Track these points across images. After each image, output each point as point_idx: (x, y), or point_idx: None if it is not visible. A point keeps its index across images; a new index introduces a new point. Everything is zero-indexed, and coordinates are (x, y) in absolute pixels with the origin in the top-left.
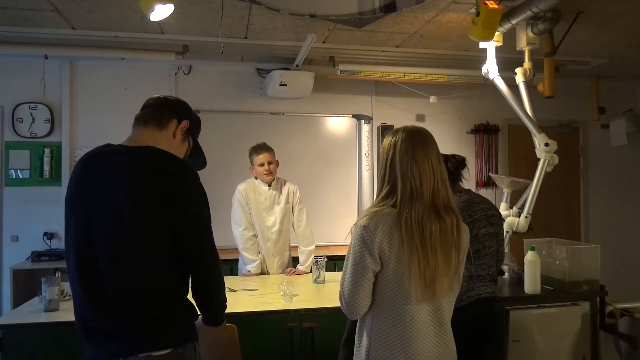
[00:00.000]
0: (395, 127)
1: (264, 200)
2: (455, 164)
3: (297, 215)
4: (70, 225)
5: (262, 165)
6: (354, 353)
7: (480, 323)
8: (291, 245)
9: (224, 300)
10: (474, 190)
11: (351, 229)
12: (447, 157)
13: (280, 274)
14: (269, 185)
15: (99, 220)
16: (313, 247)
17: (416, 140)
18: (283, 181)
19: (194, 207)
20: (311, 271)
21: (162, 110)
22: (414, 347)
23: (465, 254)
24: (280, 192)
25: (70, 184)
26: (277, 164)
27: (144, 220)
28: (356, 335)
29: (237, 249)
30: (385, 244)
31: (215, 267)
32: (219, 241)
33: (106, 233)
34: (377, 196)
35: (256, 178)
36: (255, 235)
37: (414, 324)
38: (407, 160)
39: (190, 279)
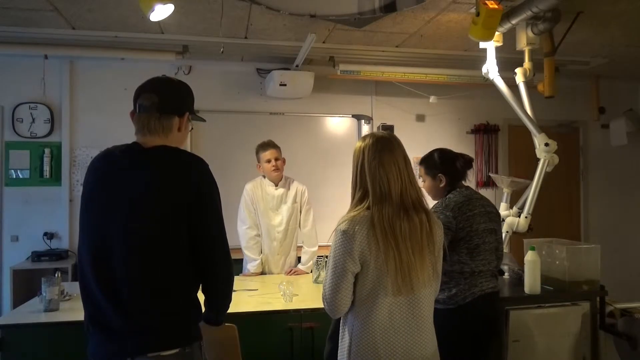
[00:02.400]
0: (395, 127)
1: (271, 199)
2: (463, 164)
3: (304, 215)
4: (86, 224)
5: (269, 161)
6: (339, 347)
7: (487, 319)
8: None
9: (230, 300)
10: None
11: (333, 232)
12: (456, 156)
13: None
14: (276, 184)
15: (115, 220)
16: (316, 248)
17: (382, 146)
18: (291, 180)
19: (208, 205)
20: (311, 271)
21: (162, 116)
22: (393, 339)
23: (440, 249)
24: (288, 192)
25: (87, 183)
26: (284, 161)
27: (159, 220)
28: (340, 331)
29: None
30: (364, 246)
31: (226, 265)
32: None
33: (121, 233)
34: (352, 200)
35: (264, 177)
36: (258, 235)
37: (392, 317)
38: (375, 164)
39: (200, 277)
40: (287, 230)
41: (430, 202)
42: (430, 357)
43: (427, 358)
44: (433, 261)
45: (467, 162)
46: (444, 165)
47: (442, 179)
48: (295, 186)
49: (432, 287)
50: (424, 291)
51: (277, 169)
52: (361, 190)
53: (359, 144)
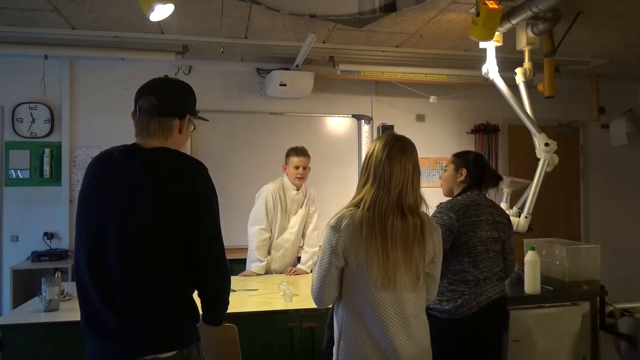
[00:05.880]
0: (395, 127)
1: (291, 202)
2: (490, 177)
3: (309, 216)
4: (82, 224)
5: (297, 167)
6: (334, 337)
7: (494, 327)
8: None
9: (227, 301)
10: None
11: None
12: (488, 166)
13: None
14: (297, 189)
15: (111, 221)
16: (317, 248)
17: (394, 144)
18: (305, 186)
19: (205, 208)
20: (311, 271)
21: (162, 119)
22: (376, 335)
23: (435, 257)
24: (305, 196)
25: (85, 183)
26: (309, 170)
27: (155, 221)
28: (333, 322)
29: (243, 249)
30: (349, 241)
31: (222, 267)
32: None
33: (117, 233)
34: (357, 188)
35: (285, 178)
36: (270, 237)
37: (376, 311)
38: (382, 157)
39: (196, 278)
40: (298, 232)
41: (433, 204)
42: (417, 357)
43: (413, 357)
44: (422, 266)
45: (494, 178)
46: (472, 165)
47: (462, 173)
48: (310, 190)
49: (418, 290)
50: (408, 293)
51: (302, 178)
52: (365, 174)
53: (375, 140)
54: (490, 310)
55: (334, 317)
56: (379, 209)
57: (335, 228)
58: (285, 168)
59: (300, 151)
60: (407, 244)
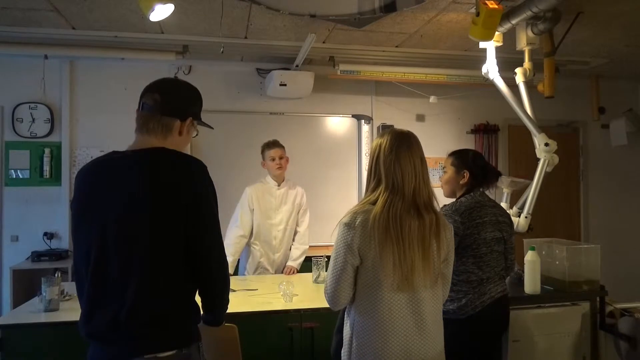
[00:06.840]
0: (395, 127)
1: (274, 199)
2: (492, 175)
3: (301, 215)
4: (81, 232)
5: (273, 159)
6: (343, 341)
7: (497, 325)
8: None
9: (227, 301)
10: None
11: (336, 226)
12: (488, 164)
13: (281, 272)
14: (279, 185)
15: (111, 221)
16: (307, 246)
17: (401, 142)
18: (292, 183)
19: (204, 207)
20: (311, 270)
21: (163, 118)
22: (391, 337)
23: (449, 253)
24: (289, 193)
25: (79, 191)
26: (287, 160)
27: (155, 221)
28: (344, 325)
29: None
30: (364, 239)
31: (221, 268)
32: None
33: (117, 234)
34: (366, 190)
35: (267, 177)
36: (243, 237)
37: (391, 313)
38: (391, 158)
39: (196, 279)
40: (286, 230)
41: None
42: (433, 359)
43: (428, 359)
44: (438, 264)
45: (494, 175)
46: (474, 164)
47: (465, 175)
48: (296, 188)
49: (435, 289)
50: (426, 292)
51: (281, 167)
52: (375, 179)
53: (377, 139)
54: (494, 310)
55: (346, 317)
56: (393, 212)
57: (350, 225)
58: (264, 164)
59: (272, 144)
60: (425, 241)
